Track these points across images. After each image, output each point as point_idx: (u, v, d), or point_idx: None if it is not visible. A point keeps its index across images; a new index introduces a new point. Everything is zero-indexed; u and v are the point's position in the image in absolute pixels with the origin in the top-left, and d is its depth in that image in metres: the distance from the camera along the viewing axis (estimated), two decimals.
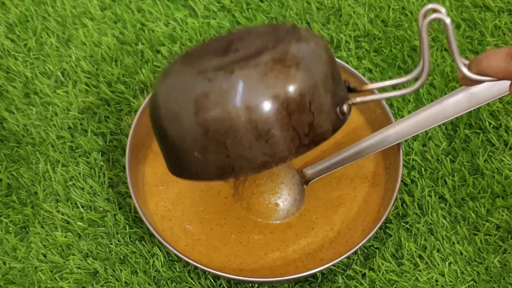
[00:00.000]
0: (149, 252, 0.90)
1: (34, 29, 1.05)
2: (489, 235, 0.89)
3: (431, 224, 0.90)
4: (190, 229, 0.89)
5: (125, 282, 0.88)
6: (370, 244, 0.89)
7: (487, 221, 0.90)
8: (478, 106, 0.83)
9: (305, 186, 0.91)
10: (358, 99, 0.63)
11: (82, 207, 0.93)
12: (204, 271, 0.88)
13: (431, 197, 0.91)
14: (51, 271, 0.89)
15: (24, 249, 0.90)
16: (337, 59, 0.94)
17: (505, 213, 0.90)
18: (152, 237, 0.90)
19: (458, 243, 0.89)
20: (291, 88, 0.55)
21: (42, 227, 0.92)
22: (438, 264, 0.88)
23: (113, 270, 0.89)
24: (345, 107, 0.60)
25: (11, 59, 1.03)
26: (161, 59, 1.03)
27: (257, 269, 0.87)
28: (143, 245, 0.90)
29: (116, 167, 0.95)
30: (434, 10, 0.61)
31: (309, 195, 0.91)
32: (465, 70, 0.65)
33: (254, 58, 0.54)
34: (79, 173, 0.95)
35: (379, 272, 0.88)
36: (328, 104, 0.57)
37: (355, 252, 0.88)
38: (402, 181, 0.92)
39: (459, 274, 0.87)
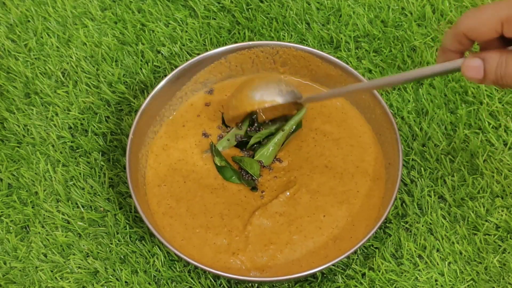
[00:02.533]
0: (149, 251, 0.90)
1: (34, 29, 1.06)
2: (489, 234, 0.89)
3: (430, 223, 0.90)
4: (189, 228, 0.89)
5: (126, 282, 0.88)
6: (370, 244, 0.90)
7: (486, 221, 0.90)
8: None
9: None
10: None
11: (83, 207, 0.93)
12: (204, 271, 0.88)
13: (431, 197, 0.92)
14: (52, 271, 0.89)
15: (25, 248, 0.90)
16: (337, 60, 0.95)
17: (505, 212, 0.90)
18: (152, 236, 0.90)
19: (458, 242, 0.89)
20: None
21: (43, 226, 0.92)
22: (438, 264, 0.88)
23: (114, 270, 0.89)
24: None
25: (12, 59, 1.03)
26: (161, 59, 1.03)
27: (258, 268, 0.87)
28: (144, 244, 0.90)
29: (116, 167, 0.95)
30: None
31: (316, 191, 0.91)
32: None
33: None
34: (80, 173, 0.95)
35: (379, 271, 0.88)
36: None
37: (355, 252, 0.88)
38: (401, 181, 0.92)
39: (458, 273, 0.87)
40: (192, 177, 0.92)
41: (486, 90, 0.98)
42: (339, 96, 0.96)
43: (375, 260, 0.88)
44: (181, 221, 0.90)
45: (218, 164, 0.93)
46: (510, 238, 0.89)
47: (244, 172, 0.92)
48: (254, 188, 0.92)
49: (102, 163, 0.96)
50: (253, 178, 0.92)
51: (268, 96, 0.91)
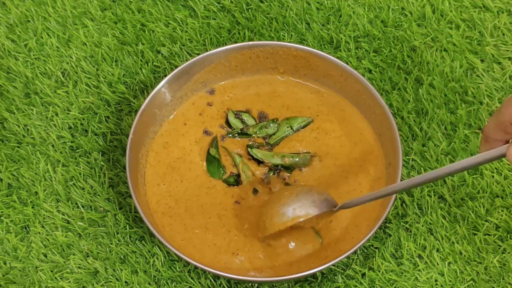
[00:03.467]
0: (149, 251, 0.90)
1: (34, 29, 1.06)
2: (489, 235, 0.89)
3: (430, 224, 0.90)
4: (189, 229, 0.89)
5: (125, 282, 0.88)
6: (370, 244, 0.90)
7: (486, 221, 0.90)
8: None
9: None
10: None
11: (83, 207, 0.93)
12: (204, 271, 0.88)
13: (431, 197, 0.92)
14: (52, 271, 0.89)
15: (25, 248, 0.90)
16: (337, 60, 0.95)
17: (504, 212, 0.90)
18: (152, 236, 0.90)
19: (458, 242, 0.89)
20: None
21: (43, 226, 0.92)
22: (438, 264, 0.88)
23: (114, 270, 0.89)
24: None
25: (12, 59, 1.03)
26: (161, 59, 1.03)
27: (257, 268, 0.87)
28: (143, 244, 0.90)
29: (116, 167, 0.95)
30: None
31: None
32: None
33: None
34: (80, 173, 0.95)
35: (379, 271, 0.88)
36: None
37: (355, 252, 0.88)
38: (402, 181, 0.92)
39: (458, 273, 0.87)
40: (188, 176, 0.92)
41: (486, 90, 0.98)
42: (374, 200, 0.83)
43: (375, 260, 0.88)
44: (180, 221, 0.90)
45: (212, 154, 0.93)
46: (510, 238, 0.89)
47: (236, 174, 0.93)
48: (227, 182, 0.92)
49: (102, 163, 0.96)
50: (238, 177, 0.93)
51: (301, 210, 0.83)
